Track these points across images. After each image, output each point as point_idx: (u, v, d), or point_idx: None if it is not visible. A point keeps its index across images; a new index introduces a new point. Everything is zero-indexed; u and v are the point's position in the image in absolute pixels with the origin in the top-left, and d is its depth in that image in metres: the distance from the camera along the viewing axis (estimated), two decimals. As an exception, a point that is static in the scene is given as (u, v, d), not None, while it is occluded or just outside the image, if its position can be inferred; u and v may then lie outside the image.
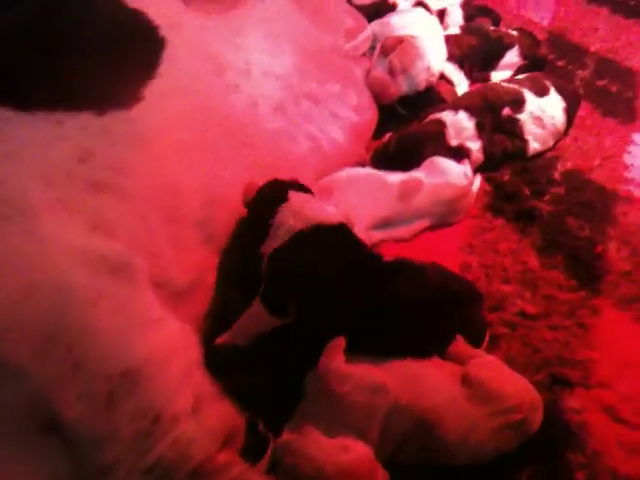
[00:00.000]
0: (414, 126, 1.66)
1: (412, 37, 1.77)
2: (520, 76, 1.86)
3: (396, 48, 1.73)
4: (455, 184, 1.49)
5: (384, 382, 1.02)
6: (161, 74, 1.29)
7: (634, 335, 1.31)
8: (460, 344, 1.13)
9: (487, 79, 2.02)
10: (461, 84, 1.92)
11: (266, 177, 1.33)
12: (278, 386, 1.07)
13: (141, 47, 1.31)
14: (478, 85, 1.91)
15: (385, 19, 1.93)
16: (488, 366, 1.09)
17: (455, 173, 1.51)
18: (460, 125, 1.64)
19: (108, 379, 0.84)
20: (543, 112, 1.69)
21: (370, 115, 1.75)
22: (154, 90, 1.25)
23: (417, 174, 1.50)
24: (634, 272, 1.42)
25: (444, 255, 1.47)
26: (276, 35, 1.67)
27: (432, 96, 1.82)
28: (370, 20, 2.04)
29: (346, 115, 1.68)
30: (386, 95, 1.74)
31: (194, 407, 0.90)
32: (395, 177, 1.47)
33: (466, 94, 1.78)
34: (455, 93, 1.87)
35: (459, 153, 1.62)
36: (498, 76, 2.02)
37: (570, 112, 1.76)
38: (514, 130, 1.68)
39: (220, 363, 1.01)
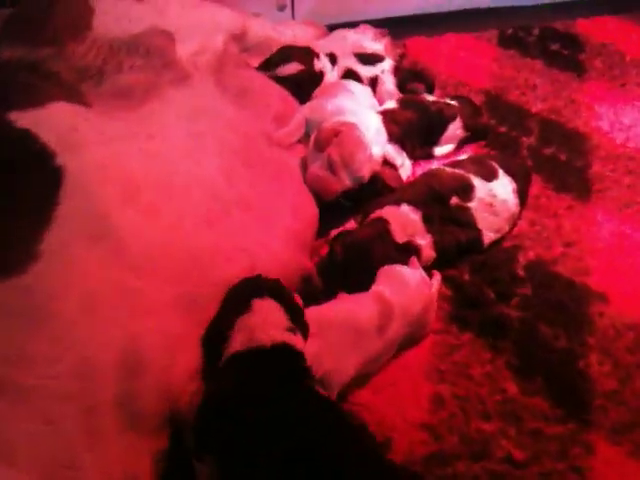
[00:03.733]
0: (357, 230, 1.49)
1: (348, 125, 1.58)
2: (463, 156, 1.73)
3: (332, 141, 1.53)
4: (421, 295, 1.32)
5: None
6: (59, 218, 1.04)
7: (632, 474, 1.15)
8: None
9: (430, 155, 1.85)
10: (404, 165, 1.74)
11: (197, 310, 1.14)
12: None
13: (32, 185, 1.07)
14: (420, 164, 1.80)
15: (316, 102, 1.73)
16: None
17: (416, 281, 1.34)
18: (405, 219, 1.48)
19: None
20: (494, 197, 1.55)
21: (310, 215, 1.55)
22: (52, 241, 1.02)
23: (381, 290, 1.30)
24: (621, 391, 1.28)
25: (410, 386, 1.30)
26: (198, 134, 1.45)
27: (376, 183, 1.63)
28: (295, 91, 1.83)
29: (283, 219, 1.48)
30: (328, 193, 1.55)
31: None
32: (366, 310, 1.27)
33: (409, 185, 1.62)
34: (400, 177, 1.71)
35: (407, 250, 1.44)
36: (441, 151, 1.86)
37: (522, 192, 1.64)
38: (465, 220, 1.52)
39: None
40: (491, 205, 1.54)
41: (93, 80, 1.49)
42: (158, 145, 1.30)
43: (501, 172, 1.61)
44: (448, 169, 1.61)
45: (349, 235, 1.46)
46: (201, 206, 1.29)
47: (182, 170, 1.30)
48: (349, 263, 1.41)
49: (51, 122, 1.19)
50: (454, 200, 1.52)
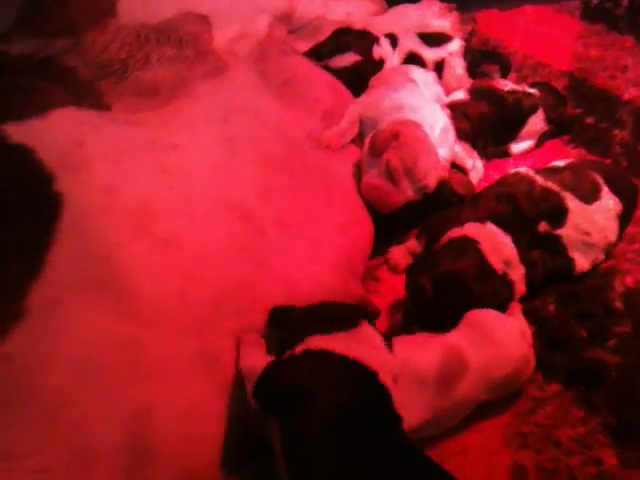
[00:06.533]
0: (443, 257, 1.20)
1: (410, 125, 1.33)
2: (560, 163, 1.41)
3: (391, 144, 1.29)
4: (512, 356, 1.07)
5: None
6: (53, 262, 0.84)
7: None
8: None
9: (506, 153, 1.59)
10: (476, 167, 1.49)
11: (220, 367, 0.95)
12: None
13: (23, 220, 0.88)
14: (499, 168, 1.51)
15: (372, 96, 1.48)
16: None
17: (510, 336, 1.09)
18: (495, 242, 1.22)
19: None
20: (592, 224, 1.27)
21: (363, 233, 1.32)
22: (42, 295, 0.82)
23: (456, 340, 1.06)
24: None
25: (484, 454, 1.06)
26: (231, 139, 1.24)
27: (443, 192, 1.38)
28: (352, 85, 1.59)
29: (330, 238, 1.25)
30: (387, 206, 1.31)
31: None
32: (426, 357, 1.04)
33: (486, 195, 1.34)
34: (470, 183, 1.46)
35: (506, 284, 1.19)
36: (519, 148, 1.60)
37: (625, 217, 1.34)
38: (554, 248, 1.26)
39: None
40: (587, 233, 1.27)
41: (115, 76, 1.30)
42: (181, 157, 1.10)
43: (605, 190, 1.31)
44: (539, 179, 1.32)
45: (436, 265, 1.18)
46: (230, 231, 1.08)
47: (208, 188, 1.09)
48: (442, 302, 1.15)
49: (52, 135, 1.00)
50: (542, 226, 1.25)
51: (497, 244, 1.21)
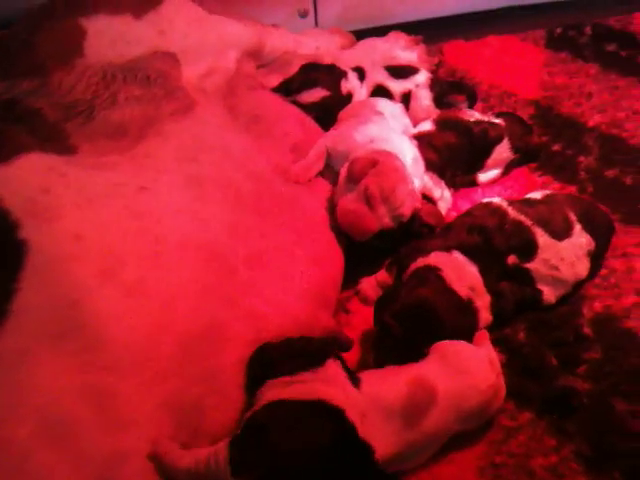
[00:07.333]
0: (404, 289, 1.20)
1: (387, 154, 1.35)
2: (536, 195, 1.42)
3: (369, 172, 1.30)
4: (481, 386, 1.07)
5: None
6: (17, 312, 0.84)
7: None
8: None
9: (474, 182, 1.61)
10: (444, 197, 1.50)
11: (191, 415, 0.94)
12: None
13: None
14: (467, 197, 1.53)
15: (342, 131, 1.50)
16: None
17: (478, 365, 1.09)
18: (461, 270, 1.24)
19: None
20: (561, 260, 1.28)
21: (333, 265, 1.33)
22: (3, 346, 0.82)
23: (424, 371, 1.06)
24: None
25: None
26: (199, 177, 1.24)
27: (414, 222, 1.39)
28: (321, 119, 1.61)
29: (301, 272, 1.26)
30: (363, 232, 1.32)
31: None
32: (392, 390, 1.04)
33: (456, 225, 1.35)
34: (439, 213, 1.46)
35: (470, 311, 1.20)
36: (486, 177, 1.62)
37: (598, 256, 1.35)
38: (523, 280, 1.28)
39: None
40: (556, 268, 1.28)
41: (81, 117, 1.29)
42: (149, 200, 1.09)
43: (578, 228, 1.32)
44: (511, 212, 1.32)
45: (395, 299, 1.18)
46: (198, 272, 1.08)
47: (177, 229, 1.08)
48: (410, 335, 1.14)
49: (18, 182, 0.99)
50: (511, 259, 1.26)
51: (462, 272, 1.22)
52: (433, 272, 1.21)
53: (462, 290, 1.19)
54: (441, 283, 1.19)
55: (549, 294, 1.28)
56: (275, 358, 1.01)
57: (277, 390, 0.95)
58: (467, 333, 1.17)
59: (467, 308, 1.19)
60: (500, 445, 1.11)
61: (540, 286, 1.27)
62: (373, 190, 1.31)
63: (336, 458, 0.91)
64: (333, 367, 1.01)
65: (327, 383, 0.97)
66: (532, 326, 1.29)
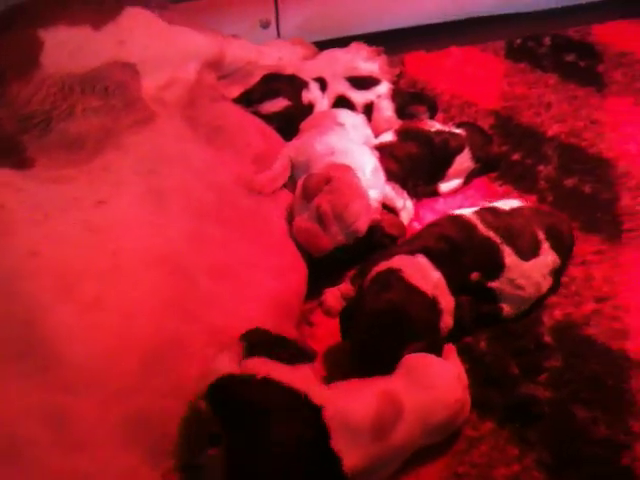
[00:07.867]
0: (366, 299, 1.19)
1: (342, 169, 1.34)
2: (505, 205, 1.41)
3: (323, 189, 1.30)
4: (448, 400, 1.07)
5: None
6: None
7: None
8: None
9: (435, 192, 1.61)
10: (406, 207, 1.51)
11: (151, 433, 0.92)
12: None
13: None
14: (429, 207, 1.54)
15: (303, 141, 1.50)
16: None
17: (445, 380, 1.09)
18: (424, 272, 1.23)
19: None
20: (527, 279, 1.29)
21: (297, 276, 1.32)
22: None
23: (393, 386, 1.06)
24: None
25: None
26: (159, 189, 1.23)
27: (375, 234, 1.39)
28: (282, 130, 1.60)
29: (264, 284, 1.25)
30: (317, 250, 1.32)
31: None
32: (361, 406, 1.02)
33: (424, 235, 1.35)
34: (401, 224, 1.47)
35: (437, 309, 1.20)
36: (447, 186, 1.63)
37: (560, 272, 1.37)
38: (485, 298, 1.28)
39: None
40: (521, 288, 1.28)
41: (38, 129, 1.27)
42: (107, 214, 1.08)
43: (545, 247, 1.32)
44: (481, 227, 1.31)
45: (361, 309, 1.17)
46: (158, 285, 1.06)
47: (136, 243, 1.07)
48: (379, 344, 1.13)
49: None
50: (475, 275, 1.27)
51: (425, 274, 1.21)
52: (394, 275, 1.19)
53: (427, 289, 1.18)
54: (403, 283, 1.18)
55: (510, 311, 1.29)
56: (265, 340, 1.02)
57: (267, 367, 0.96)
58: (434, 331, 1.17)
59: (434, 306, 1.18)
60: (463, 455, 1.12)
61: (502, 304, 1.27)
62: (325, 209, 1.31)
63: (308, 457, 0.91)
64: (310, 370, 1.00)
65: (307, 382, 0.97)
66: (494, 335, 1.30)
